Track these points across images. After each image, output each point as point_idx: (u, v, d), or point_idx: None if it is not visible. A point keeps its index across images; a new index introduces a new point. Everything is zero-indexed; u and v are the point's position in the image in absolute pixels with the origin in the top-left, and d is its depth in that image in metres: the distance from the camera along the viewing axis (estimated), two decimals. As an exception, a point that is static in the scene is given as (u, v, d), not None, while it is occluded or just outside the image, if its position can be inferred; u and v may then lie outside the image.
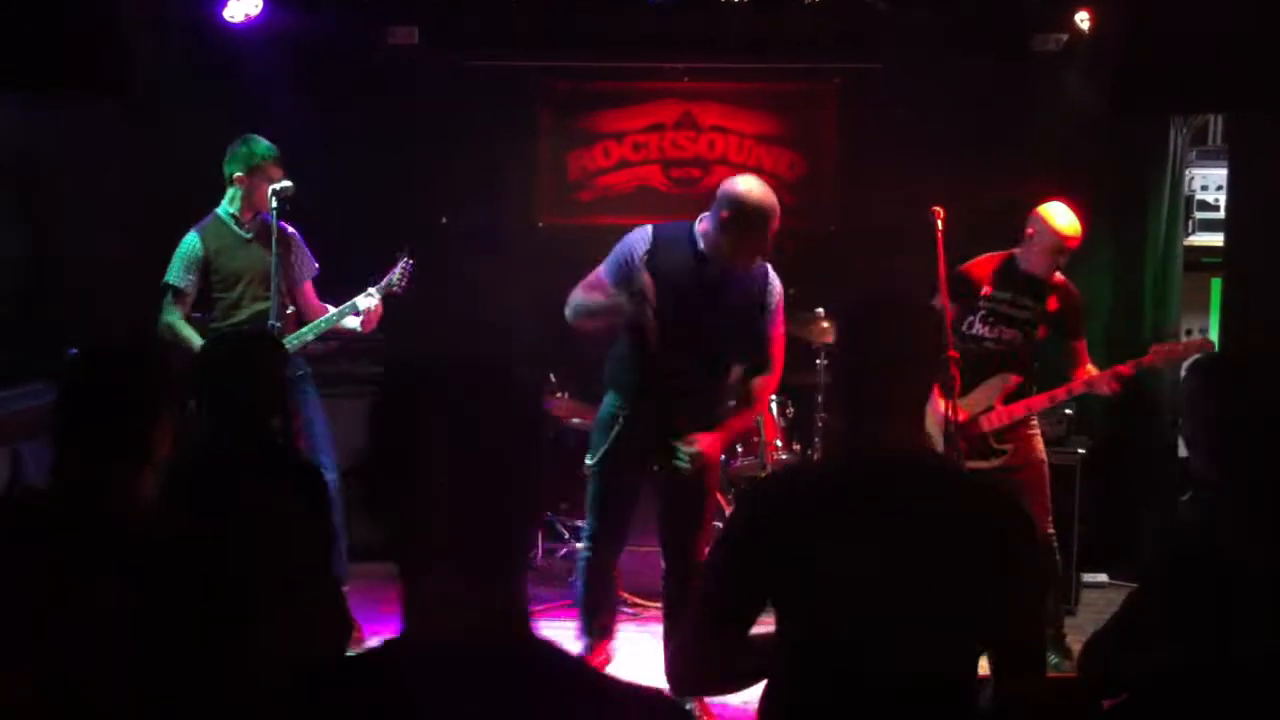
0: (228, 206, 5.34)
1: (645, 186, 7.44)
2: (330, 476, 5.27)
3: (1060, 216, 5.03)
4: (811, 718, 2.26)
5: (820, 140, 7.46)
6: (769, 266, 4.55)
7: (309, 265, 5.52)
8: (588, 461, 4.63)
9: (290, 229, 5.45)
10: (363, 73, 6.99)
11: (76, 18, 4.57)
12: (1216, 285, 6.28)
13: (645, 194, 7.37)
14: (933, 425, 5.10)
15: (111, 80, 4.76)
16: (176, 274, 5.29)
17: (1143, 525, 6.47)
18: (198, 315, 5.41)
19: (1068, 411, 6.12)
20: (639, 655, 5.32)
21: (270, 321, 5.16)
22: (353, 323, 5.40)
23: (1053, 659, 4.81)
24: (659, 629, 5.20)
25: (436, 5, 6.14)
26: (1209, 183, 6.46)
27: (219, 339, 4.79)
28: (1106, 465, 6.37)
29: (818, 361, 6.01)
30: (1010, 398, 5.09)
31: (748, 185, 4.36)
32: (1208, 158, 6.55)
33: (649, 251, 4.45)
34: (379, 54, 6.97)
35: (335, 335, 5.49)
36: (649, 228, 4.55)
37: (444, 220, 7.21)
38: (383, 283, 5.42)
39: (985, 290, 5.13)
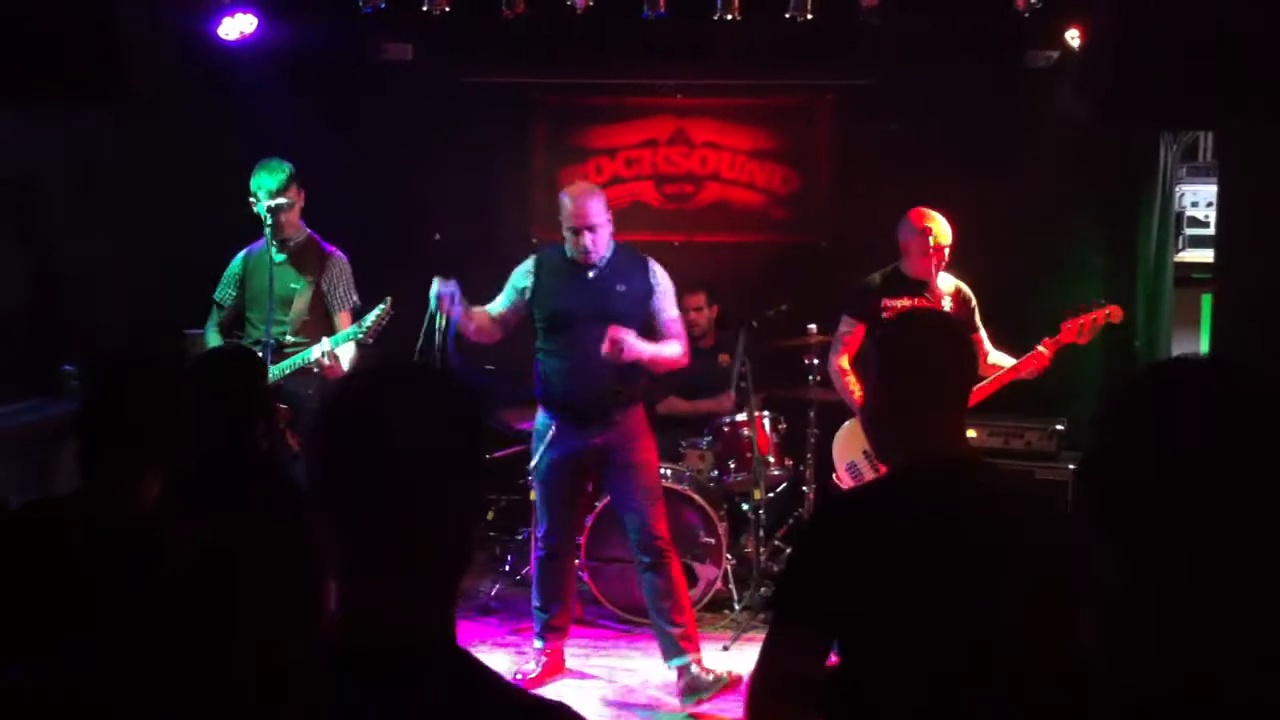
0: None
1: (638, 202, 7.47)
2: None
3: (925, 218, 5.24)
4: None
5: (813, 155, 7.50)
6: (648, 259, 5.11)
7: (346, 295, 5.47)
8: (529, 468, 5.22)
9: (339, 254, 5.48)
10: (358, 89, 7.03)
11: (73, 27, 4.59)
12: (1207, 301, 6.30)
13: (638, 210, 7.40)
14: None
15: (110, 86, 4.78)
16: (220, 288, 5.52)
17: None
18: (238, 333, 5.49)
19: (1059, 427, 6.14)
20: (630, 672, 5.33)
21: (264, 339, 5.17)
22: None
23: None
24: (651, 646, 5.22)
25: (431, 22, 6.15)
26: (1199, 199, 6.48)
27: (199, 355, 4.85)
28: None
29: (810, 378, 6.02)
30: None
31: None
32: (1198, 174, 6.57)
33: (533, 272, 5.10)
34: (374, 70, 7.00)
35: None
36: (530, 258, 5.19)
37: (438, 237, 7.23)
38: (349, 329, 5.28)
39: (883, 301, 5.27)
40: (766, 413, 6.21)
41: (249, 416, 3.32)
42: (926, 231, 5.19)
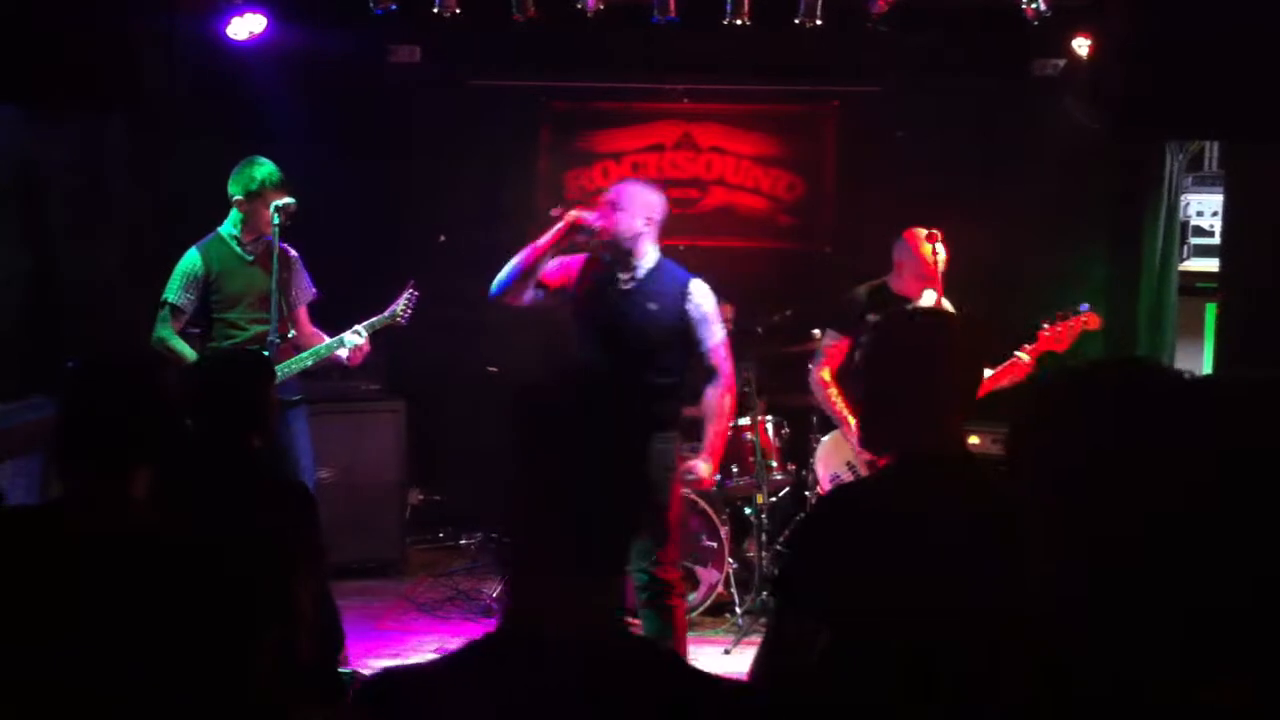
0: (230, 227, 5.29)
1: (644, 206, 7.47)
2: None
3: (921, 240, 5.15)
4: None
5: (818, 162, 7.51)
6: (690, 276, 4.53)
7: (306, 290, 5.44)
8: None
9: (293, 252, 5.40)
10: (365, 91, 7.04)
11: (84, 33, 4.61)
12: (1211, 310, 6.31)
13: (644, 214, 7.39)
14: (850, 450, 5.28)
15: (119, 93, 4.78)
16: (175, 291, 5.23)
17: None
18: (195, 331, 5.38)
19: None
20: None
21: (270, 339, 5.14)
22: (342, 353, 5.32)
23: None
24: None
25: (438, 25, 6.17)
26: (1204, 208, 6.50)
27: (209, 357, 4.79)
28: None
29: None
30: None
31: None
32: (1203, 183, 6.59)
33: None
34: (381, 73, 7.02)
35: (327, 361, 5.42)
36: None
37: (442, 239, 7.24)
38: (385, 313, 5.35)
39: (868, 316, 5.20)
40: (769, 417, 6.22)
41: (258, 421, 3.32)
42: (922, 255, 5.13)
